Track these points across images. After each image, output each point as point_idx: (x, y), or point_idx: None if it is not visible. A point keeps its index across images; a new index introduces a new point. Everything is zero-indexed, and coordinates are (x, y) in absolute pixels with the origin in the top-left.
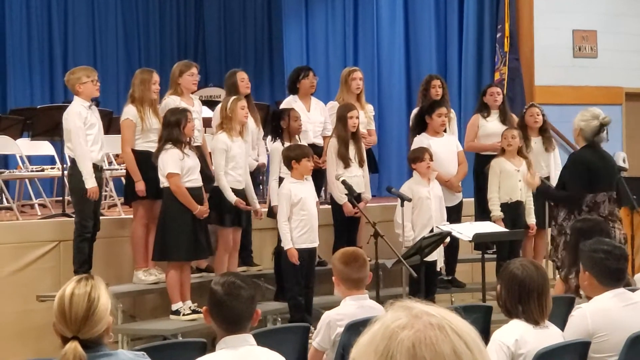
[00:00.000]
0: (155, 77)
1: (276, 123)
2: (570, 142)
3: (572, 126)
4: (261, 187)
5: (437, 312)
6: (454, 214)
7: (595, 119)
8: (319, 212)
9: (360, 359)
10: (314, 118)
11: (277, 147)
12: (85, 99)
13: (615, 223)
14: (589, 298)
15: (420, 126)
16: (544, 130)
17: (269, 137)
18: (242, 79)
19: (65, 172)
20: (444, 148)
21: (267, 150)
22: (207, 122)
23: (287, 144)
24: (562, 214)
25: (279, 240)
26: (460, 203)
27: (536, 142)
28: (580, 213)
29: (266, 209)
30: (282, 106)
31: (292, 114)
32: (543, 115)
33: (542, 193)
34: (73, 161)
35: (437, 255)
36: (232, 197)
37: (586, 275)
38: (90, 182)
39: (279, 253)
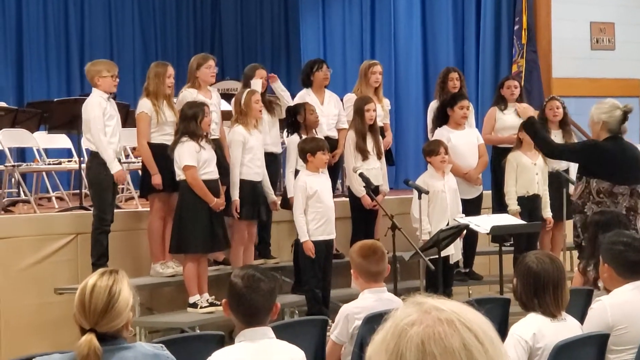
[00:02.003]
0: (170, 70)
1: (293, 118)
2: (588, 134)
3: (589, 121)
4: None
5: (447, 307)
6: (473, 207)
7: (616, 109)
8: (336, 205)
9: (375, 358)
10: (328, 111)
11: (294, 140)
12: (103, 91)
13: (637, 218)
14: (607, 290)
15: (442, 119)
16: (564, 123)
17: (285, 131)
18: (261, 77)
19: (83, 165)
20: (465, 140)
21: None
22: (224, 115)
23: (304, 137)
24: (580, 201)
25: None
26: (480, 196)
27: (556, 135)
28: (594, 201)
29: (280, 200)
30: (295, 100)
31: (308, 108)
32: (563, 107)
33: (528, 125)
34: (91, 154)
35: (453, 249)
36: (235, 195)
37: (605, 268)
38: (114, 166)
39: (297, 245)
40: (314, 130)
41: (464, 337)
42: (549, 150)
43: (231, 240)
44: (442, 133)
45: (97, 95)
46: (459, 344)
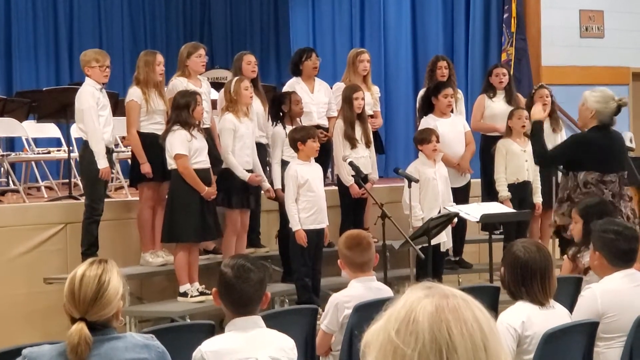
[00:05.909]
0: (160, 58)
1: (277, 107)
2: (576, 122)
3: (580, 104)
4: (268, 169)
5: (454, 291)
6: (462, 195)
7: (612, 100)
8: (325, 194)
9: (377, 335)
10: (318, 99)
11: (278, 131)
12: (95, 80)
13: (622, 202)
14: (599, 277)
15: (427, 107)
16: (551, 111)
17: (270, 122)
18: (249, 62)
19: (72, 155)
20: (451, 129)
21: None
22: (214, 104)
23: (288, 128)
24: (563, 194)
25: (282, 223)
26: (468, 184)
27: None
28: (581, 192)
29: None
30: (285, 88)
31: (293, 98)
32: (551, 96)
33: (535, 133)
34: (84, 143)
35: (445, 237)
36: (244, 174)
37: (596, 255)
38: (102, 163)
39: (284, 235)
40: (298, 120)
41: (475, 312)
42: (540, 156)
43: (224, 230)
44: (428, 122)
45: (89, 85)
46: (472, 316)
